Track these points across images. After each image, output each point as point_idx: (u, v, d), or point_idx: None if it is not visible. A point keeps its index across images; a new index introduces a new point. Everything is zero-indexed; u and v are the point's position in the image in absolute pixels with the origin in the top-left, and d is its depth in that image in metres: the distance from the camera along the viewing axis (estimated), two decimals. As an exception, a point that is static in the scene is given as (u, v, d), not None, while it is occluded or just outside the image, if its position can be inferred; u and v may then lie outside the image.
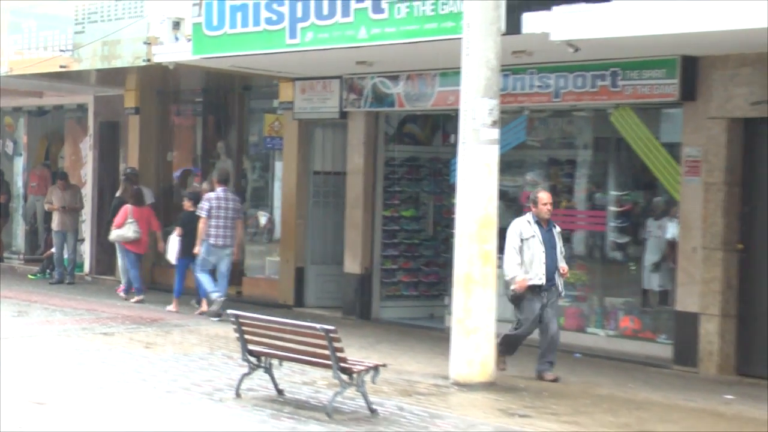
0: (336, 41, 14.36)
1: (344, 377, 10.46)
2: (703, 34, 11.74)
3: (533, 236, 12.60)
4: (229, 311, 11.46)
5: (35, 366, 12.55)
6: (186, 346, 14.40)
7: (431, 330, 16.59)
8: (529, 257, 12.57)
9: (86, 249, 22.58)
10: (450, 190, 16.10)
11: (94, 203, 22.51)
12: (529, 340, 14.38)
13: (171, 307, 17.59)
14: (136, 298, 18.73)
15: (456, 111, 12.79)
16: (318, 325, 10.54)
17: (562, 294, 13.07)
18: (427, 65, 15.81)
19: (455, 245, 12.47)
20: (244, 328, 11.14)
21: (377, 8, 13.78)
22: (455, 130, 13.50)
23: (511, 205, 15.93)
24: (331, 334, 10.31)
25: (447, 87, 15.75)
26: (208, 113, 21.53)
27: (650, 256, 14.76)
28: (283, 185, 19.14)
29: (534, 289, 12.56)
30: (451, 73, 15.19)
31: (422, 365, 13.50)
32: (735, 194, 13.50)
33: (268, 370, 11.25)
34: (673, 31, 11.68)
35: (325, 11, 14.34)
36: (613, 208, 15.15)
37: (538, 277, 12.55)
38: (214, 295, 16.83)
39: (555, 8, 12.09)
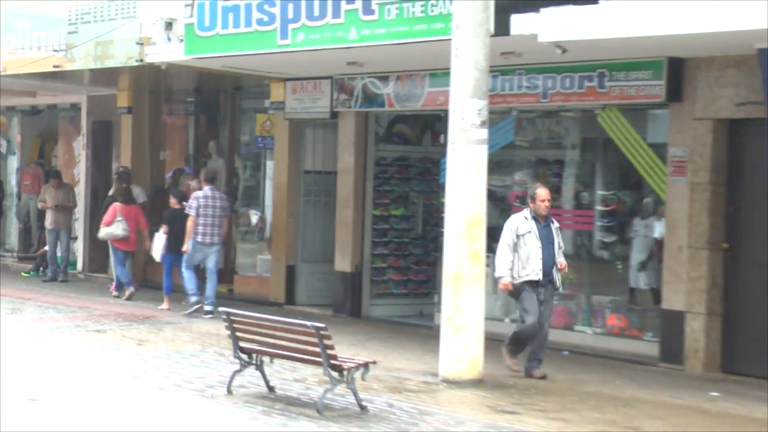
0: (327, 42, 14.36)
1: (335, 374, 10.46)
2: (689, 36, 11.76)
3: (529, 232, 12.55)
4: (221, 309, 11.46)
5: (29, 363, 12.53)
6: (178, 344, 14.39)
7: (421, 328, 16.60)
8: (525, 253, 12.54)
9: (79, 247, 22.57)
10: (439, 189, 16.11)
11: (87, 202, 22.48)
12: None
13: (163, 305, 17.58)
14: (128, 292, 18.73)
15: (445, 111, 12.80)
16: (309, 323, 10.54)
17: (560, 289, 13.03)
18: (417, 66, 15.82)
19: (444, 244, 12.48)
20: (235, 325, 11.13)
21: (367, 9, 13.78)
22: (445, 130, 13.51)
23: (499, 204, 15.95)
24: (322, 332, 10.31)
25: (436, 87, 15.75)
26: (200, 113, 21.51)
27: (637, 255, 14.77)
28: (274, 184, 19.14)
29: (531, 284, 12.55)
30: (441, 74, 15.19)
31: (412, 362, 13.51)
32: (720, 194, 13.52)
33: (260, 367, 11.24)
34: (659, 33, 11.70)
35: (316, 12, 14.34)
36: (600, 208, 15.16)
37: (535, 273, 12.51)
38: (192, 299, 17.03)
39: (543, 10, 12.10)
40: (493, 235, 15.18)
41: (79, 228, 22.50)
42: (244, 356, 11.18)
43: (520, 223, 12.65)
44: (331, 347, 10.39)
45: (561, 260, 12.73)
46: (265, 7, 14.93)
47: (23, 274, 22.23)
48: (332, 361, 10.42)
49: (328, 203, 18.51)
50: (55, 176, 21.62)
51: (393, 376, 12.52)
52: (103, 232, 18.99)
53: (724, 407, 11.62)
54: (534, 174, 15.94)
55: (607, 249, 15.23)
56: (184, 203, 17.30)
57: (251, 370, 11.29)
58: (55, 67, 19.06)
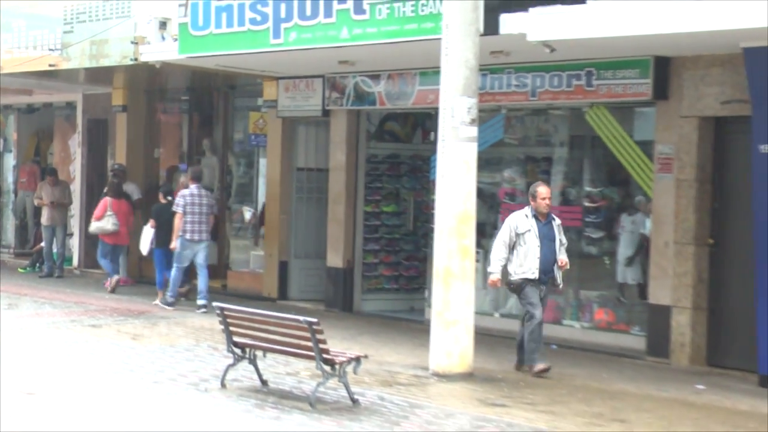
0: (319, 41, 14.36)
1: (327, 368, 10.46)
2: (676, 35, 11.78)
3: (529, 230, 12.48)
4: (215, 304, 11.46)
5: (25, 357, 12.52)
6: (172, 338, 14.38)
7: (411, 322, 16.61)
8: (523, 251, 12.47)
9: (75, 243, 22.55)
10: (430, 186, 16.11)
11: (82, 199, 22.47)
12: (510, 332, 14.44)
13: (157, 300, 17.58)
14: (112, 280, 18.85)
15: (436, 109, 12.81)
16: (301, 318, 10.54)
17: (560, 286, 12.95)
18: (408, 65, 15.82)
19: (435, 240, 12.49)
20: (229, 320, 11.13)
21: (359, 9, 13.78)
22: (435, 128, 13.51)
23: (488, 201, 15.97)
24: (314, 326, 10.31)
25: (427, 86, 15.76)
26: (194, 111, 21.49)
27: (624, 251, 14.79)
28: (267, 181, 19.13)
29: (530, 281, 12.51)
30: (431, 73, 15.20)
31: (403, 356, 13.52)
32: (706, 191, 13.55)
33: (253, 362, 11.24)
34: (646, 33, 11.72)
35: (308, 12, 14.33)
36: (588, 204, 15.17)
37: (531, 272, 12.44)
38: (170, 299, 17.16)
39: (532, 10, 12.11)
40: (483, 231, 15.24)
41: (74, 224, 22.47)
42: (237, 350, 11.18)
43: (520, 222, 12.58)
44: (324, 341, 10.40)
45: (562, 257, 12.63)
46: (258, 6, 14.92)
47: (20, 270, 22.20)
48: (324, 355, 10.42)
49: (320, 200, 18.51)
50: (51, 173, 21.61)
51: (384, 369, 12.53)
52: (94, 226, 19.11)
53: (710, 400, 11.65)
54: (523, 171, 15.95)
55: (594, 245, 15.24)
56: (169, 198, 17.47)
57: (245, 364, 11.29)
58: (50, 66, 19.04)
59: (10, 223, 25.22)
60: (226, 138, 20.78)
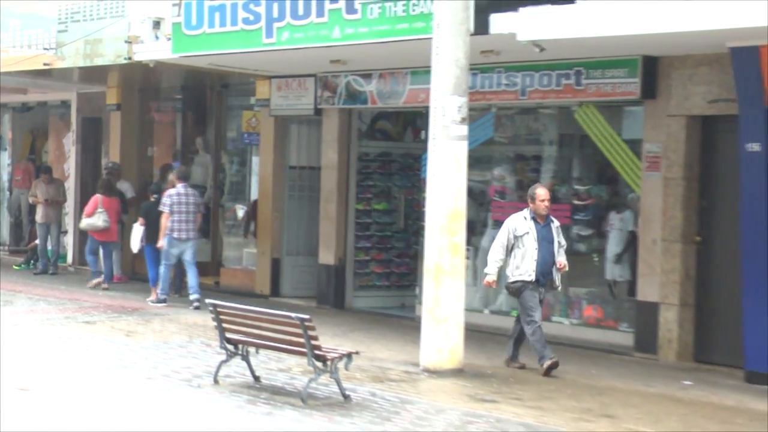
0: (311, 41, 14.34)
1: (318, 364, 10.45)
2: (664, 35, 11.78)
3: (527, 233, 12.40)
4: (208, 301, 11.44)
5: (19, 353, 12.49)
6: (166, 335, 14.37)
7: (402, 319, 16.60)
8: (521, 254, 12.40)
9: (69, 240, 22.52)
10: (421, 184, 16.10)
11: (76, 196, 22.42)
12: (500, 329, 14.47)
13: (151, 297, 17.55)
14: (93, 282, 18.88)
15: (426, 108, 12.80)
16: (293, 314, 10.53)
17: (558, 288, 12.90)
18: (399, 64, 15.81)
19: (425, 237, 12.48)
20: (221, 317, 11.12)
21: (351, 9, 13.77)
22: (426, 127, 13.51)
23: (479, 198, 15.96)
24: (306, 323, 10.30)
25: (418, 85, 15.75)
26: (187, 110, 21.47)
27: (613, 248, 14.80)
28: (259, 179, 19.11)
29: (531, 283, 12.43)
30: (422, 72, 15.19)
31: (394, 353, 13.51)
32: (693, 189, 13.56)
33: (245, 358, 11.23)
34: (634, 32, 11.72)
35: (301, 11, 14.32)
36: (576, 202, 15.18)
37: (528, 274, 12.36)
38: (162, 296, 17.15)
39: (522, 9, 12.11)
40: (473, 229, 15.25)
41: (69, 222, 22.45)
42: (230, 347, 11.16)
43: (518, 224, 12.50)
44: (315, 338, 10.39)
45: (561, 259, 12.55)
46: (251, 6, 14.91)
47: (14, 267, 22.17)
48: (316, 352, 10.41)
49: (312, 198, 18.50)
50: (45, 171, 21.58)
51: (375, 366, 12.52)
52: (85, 222, 19.12)
53: (697, 395, 11.66)
54: (513, 169, 15.96)
55: (583, 242, 15.25)
56: (155, 196, 17.54)
57: (237, 361, 11.27)
58: (45, 65, 19.01)
59: (5, 221, 25.18)
60: (219, 136, 20.75)
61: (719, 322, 13.30)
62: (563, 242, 12.73)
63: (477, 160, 15.41)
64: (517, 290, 12.48)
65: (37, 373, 11.42)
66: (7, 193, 25.11)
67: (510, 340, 12.86)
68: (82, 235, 21.63)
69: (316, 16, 14.14)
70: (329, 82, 17.25)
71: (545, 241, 12.45)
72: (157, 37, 16.95)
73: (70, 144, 23.00)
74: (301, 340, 10.41)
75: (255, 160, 19.70)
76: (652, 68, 13.60)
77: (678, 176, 13.50)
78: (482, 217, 16.08)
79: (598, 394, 11.51)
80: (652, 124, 13.77)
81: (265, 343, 11.04)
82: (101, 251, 19.44)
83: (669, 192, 13.55)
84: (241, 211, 20.20)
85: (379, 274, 18.06)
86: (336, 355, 10.59)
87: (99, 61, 18.30)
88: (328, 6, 13.99)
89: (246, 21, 14.97)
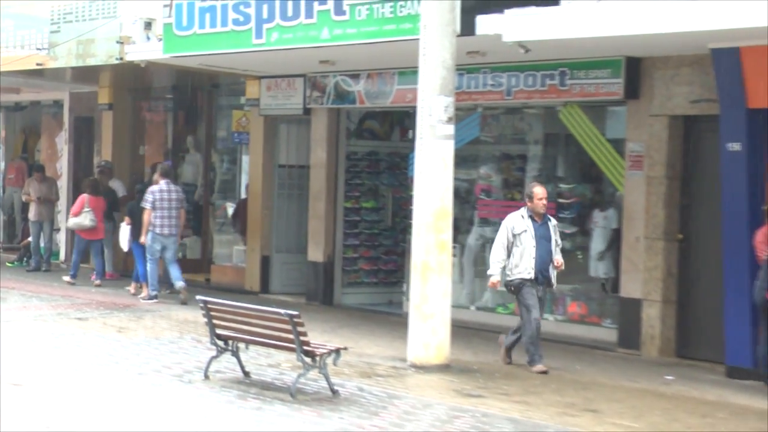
0: (300, 41, 14.34)
1: (307, 360, 10.45)
2: (647, 36, 11.80)
3: (525, 231, 12.35)
4: (198, 297, 11.43)
5: (12, 349, 12.45)
6: (157, 331, 14.34)
7: (390, 315, 16.60)
8: (519, 252, 12.35)
9: (62, 238, 22.48)
10: (408, 182, 16.10)
11: (69, 195, 22.37)
12: (486, 325, 14.47)
13: (142, 293, 17.51)
14: (67, 278, 18.84)
15: (414, 108, 12.80)
16: (282, 311, 10.53)
17: (554, 286, 12.84)
18: (387, 64, 15.81)
19: (413, 235, 12.49)
20: (212, 313, 11.11)
21: (339, 10, 13.76)
22: (413, 126, 13.50)
23: (465, 197, 15.97)
24: (295, 319, 10.30)
25: (405, 85, 15.75)
26: (178, 109, 21.44)
27: (596, 246, 14.81)
28: (249, 178, 19.10)
29: (529, 281, 12.39)
30: (409, 72, 15.18)
31: (381, 348, 13.51)
32: (675, 187, 13.59)
33: (235, 354, 11.22)
34: (617, 33, 11.74)
35: (290, 12, 14.31)
36: (561, 200, 15.19)
37: (527, 272, 12.31)
38: (152, 292, 17.11)
39: (507, 11, 12.12)
40: (460, 226, 15.25)
41: (61, 220, 22.38)
42: (220, 343, 11.16)
43: (516, 222, 12.45)
44: (304, 334, 10.39)
45: (557, 258, 12.50)
46: (241, 7, 14.89)
47: (8, 264, 22.10)
48: (305, 348, 10.41)
49: (301, 196, 18.49)
50: (38, 170, 21.54)
51: (363, 361, 12.52)
52: (72, 222, 19.08)
53: (679, 390, 11.69)
54: (498, 168, 15.97)
55: (567, 239, 15.25)
56: (140, 195, 17.51)
57: (227, 356, 11.26)
58: (38, 65, 18.97)
59: (-1, 219, 25.14)
60: (210, 135, 20.74)
61: (701, 318, 13.33)
62: (559, 241, 12.69)
63: (463, 159, 15.41)
64: (516, 288, 12.46)
65: (29, 368, 11.39)
66: (1, 191, 25.05)
67: (510, 332, 12.75)
68: (74, 233, 21.61)
69: (305, 17, 14.13)
70: (318, 83, 17.24)
71: (543, 239, 12.41)
72: (148, 38, 16.93)
73: (63, 143, 22.96)
74: (290, 336, 10.40)
75: (245, 159, 19.69)
76: (635, 69, 13.62)
77: (660, 175, 13.53)
78: (468, 215, 16.09)
79: (583, 389, 11.52)
80: (635, 123, 13.79)
81: (255, 339, 11.03)
82: (91, 250, 19.43)
83: (652, 190, 13.58)
84: (231, 210, 20.19)
85: (367, 271, 18.05)
86: (325, 350, 10.59)
87: (91, 62, 18.27)
88: (316, 7, 13.99)
89: (236, 22, 14.95)
